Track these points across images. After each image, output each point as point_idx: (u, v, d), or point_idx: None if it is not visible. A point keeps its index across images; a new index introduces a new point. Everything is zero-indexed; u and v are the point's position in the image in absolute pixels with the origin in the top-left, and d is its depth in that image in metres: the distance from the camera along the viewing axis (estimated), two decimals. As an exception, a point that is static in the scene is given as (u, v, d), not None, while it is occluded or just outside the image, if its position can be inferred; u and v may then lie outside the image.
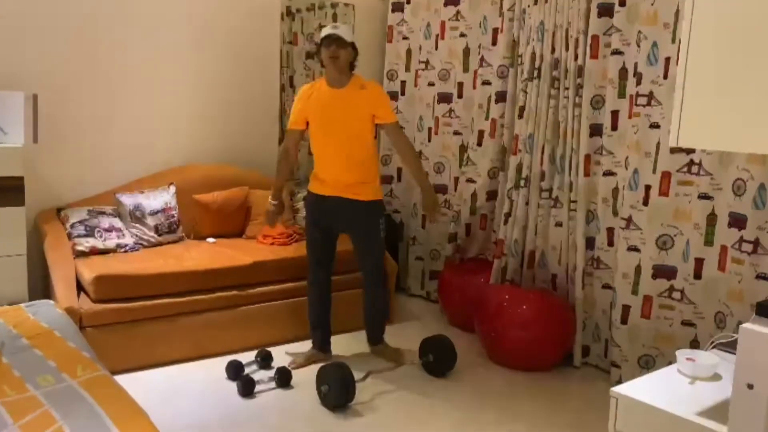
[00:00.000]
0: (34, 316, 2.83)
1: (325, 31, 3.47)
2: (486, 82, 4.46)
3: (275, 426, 3.04)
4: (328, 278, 3.77)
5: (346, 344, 3.96)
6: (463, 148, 4.69)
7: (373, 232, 3.66)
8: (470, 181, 4.52)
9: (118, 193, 4.06)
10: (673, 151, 3.33)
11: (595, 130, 3.79)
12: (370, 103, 3.50)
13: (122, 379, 3.24)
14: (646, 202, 3.47)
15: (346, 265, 3.93)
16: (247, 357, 3.69)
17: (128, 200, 4.02)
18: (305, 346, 3.88)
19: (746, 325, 1.61)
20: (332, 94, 3.50)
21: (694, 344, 3.32)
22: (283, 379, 3.42)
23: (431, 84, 4.89)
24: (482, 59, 4.48)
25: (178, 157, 4.53)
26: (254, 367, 3.62)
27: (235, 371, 3.47)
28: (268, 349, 3.73)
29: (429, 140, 4.92)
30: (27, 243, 3.56)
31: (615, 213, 3.71)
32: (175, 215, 4.17)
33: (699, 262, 3.30)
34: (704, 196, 3.27)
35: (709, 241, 3.26)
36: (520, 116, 4.15)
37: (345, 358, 3.77)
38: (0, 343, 2.51)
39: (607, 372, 3.77)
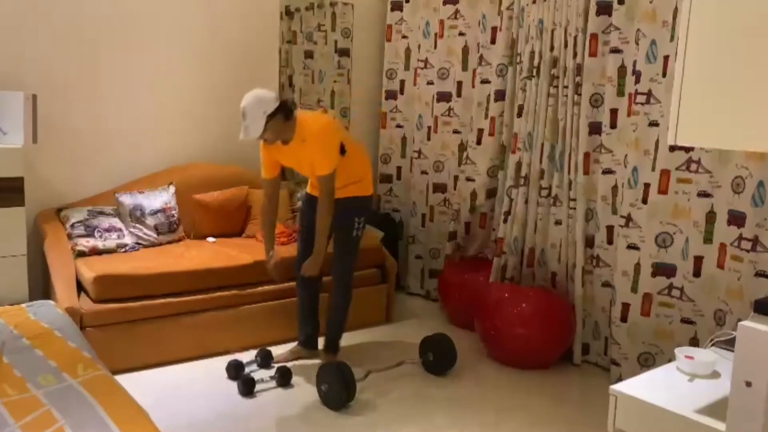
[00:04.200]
0: (34, 316, 2.84)
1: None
2: (485, 81, 4.46)
3: (275, 425, 3.05)
4: None
5: (344, 343, 3.96)
6: (462, 147, 4.70)
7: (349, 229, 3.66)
8: (469, 179, 4.53)
9: (117, 193, 4.06)
10: (672, 149, 3.34)
11: (594, 129, 3.80)
12: (309, 154, 3.45)
13: (123, 379, 3.26)
14: (645, 200, 3.48)
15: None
16: (247, 356, 3.70)
17: (128, 200, 4.03)
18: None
19: (744, 323, 1.61)
20: (284, 148, 3.48)
21: (694, 342, 3.33)
22: (284, 378, 3.43)
23: (430, 83, 4.89)
24: (481, 58, 4.48)
25: (178, 156, 4.53)
26: (254, 366, 3.63)
27: (235, 370, 3.48)
28: (269, 348, 3.73)
29: (428, 139, 4.92)
30: (27, 243, 3.57)
31: (614, 211, 3.72)
32: (175, 215, 4.17)
33: (698, 260, 3.31)
34: (703, 194, 3.27)
35: (708, 239, 3.26)
36: (519, 115, 4.15)
37: (344, 357, 3.78)
38: (1, 343, 2.52)
39: (606, 370, 3.77)
